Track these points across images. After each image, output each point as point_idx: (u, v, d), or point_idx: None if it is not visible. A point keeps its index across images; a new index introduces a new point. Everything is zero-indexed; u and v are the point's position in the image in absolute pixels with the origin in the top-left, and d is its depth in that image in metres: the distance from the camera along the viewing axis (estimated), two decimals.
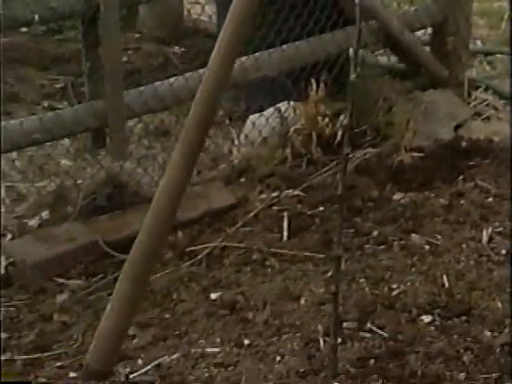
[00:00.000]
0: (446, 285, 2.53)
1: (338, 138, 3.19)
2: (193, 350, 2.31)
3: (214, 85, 1.29)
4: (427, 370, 2.18)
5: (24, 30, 4.01)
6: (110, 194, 2.78)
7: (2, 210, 2.92)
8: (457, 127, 3.53)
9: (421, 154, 3.30)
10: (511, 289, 2.49)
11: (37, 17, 2.77)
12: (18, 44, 3.98)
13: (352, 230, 2.89)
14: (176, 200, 1.35)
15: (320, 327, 2.38)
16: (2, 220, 2.83)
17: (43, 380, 2.26)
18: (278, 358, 2.27)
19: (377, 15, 3.51)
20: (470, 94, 3.79)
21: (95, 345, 1.41)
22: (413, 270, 2.64)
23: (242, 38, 1.31)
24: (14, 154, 3.05)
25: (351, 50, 1.35)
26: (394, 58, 3.87)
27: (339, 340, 2.36)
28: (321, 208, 3.01)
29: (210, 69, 1.29)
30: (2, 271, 2.63)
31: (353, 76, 1.24)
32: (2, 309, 2.52)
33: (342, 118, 3.19)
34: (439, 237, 2.80)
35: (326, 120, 3.22)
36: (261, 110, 3.31)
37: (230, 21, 1.29)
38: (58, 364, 2.29)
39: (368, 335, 2.35)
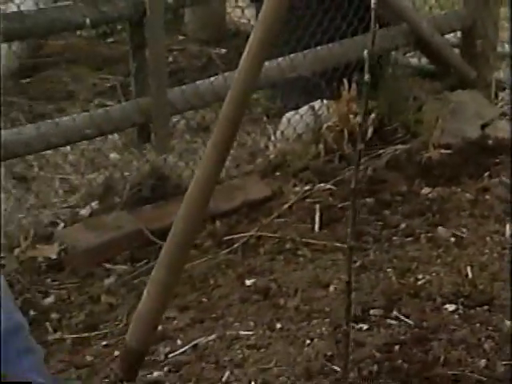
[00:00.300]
0: (470, 276, 2.51)
1: (369, 134, 3.18)
2: (228, 333, 2.31)
3: (243, 85, 1.30)
4: (450, 356, 2.16)
5: (79, 33, 4.06)
6: (153, 185, 2.80)
7: (56, 200, 2.95)
8: (483, 126, 3.49)
9: (448, 151, 3.27)
10: None
11: (88, 20, 2.79)
12: (74, 46, 4.02)
13: (381, 223, 2.87)
14: (208, 192, 1.36)
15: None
16: (57, 210, 2.87)
17: (90, 358, 2.29)
18: (308, 342, 2.26)
19: (408, 18, 3.48)
20: (496, 95, 3.75)
21: (133, 326, 1.43)
22: (438, 261, 2.62)
23: (269, 43, 1.30)
24: (68, 148, 3.08)
25: (364, 53, 1.34)
26: (424, 60, 3.84)
27: (366, 326, 2.36)
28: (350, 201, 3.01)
29: (240, 70, 1.29)
30: (55, 256, 2.65)
31: (367, 77, 1.23)
32: (54, 291, 2.56)
33: (372, 116, 3.18)
34: (464, 230, 2.78)
35: (358, 118, 3.20)
36: (296, 107, 3.30)
37: (259, 26, 1.29)
38: (104, 343, 2.31)
39: (394, 322, 2.33)
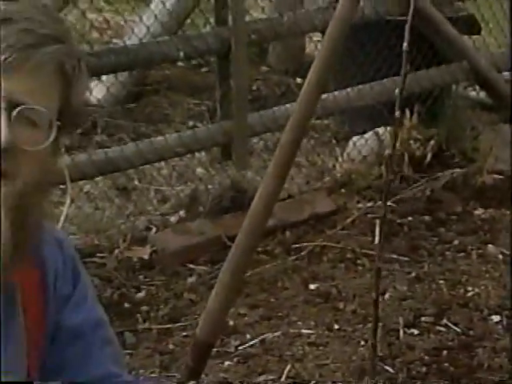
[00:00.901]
0: None
1: (428, 159, 3.13)
2: (291, 330, 2.30)
3: (302, 114, 1.30)
4: (492, 363, 2.11)
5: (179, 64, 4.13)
6: (233, 197, 2.80)
7: (151, 208, 2.99)
8: None
9: (501, 177, 3.19)
10: None
11: (182, 53, 2.85)
12: (171, 75, 4.09)
13: (436, 239, 2.83)
14: (270, 205, 1.36)
15: (400, 319, 2.33)
16: (151, 217, 2.90)
17: (172, 346, 2.31)
18: (362, 343, 2.23)
19: (468, 56, 3.41)
20: None
21: (203, 321, 1.44)
22: (487, 275, 2.55)
23: (324, 78, 1.31)
24: (162, 164, 3.13)
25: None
26: (483, 93, 3.76)
27: (417, 331, 2.32)
28: (409, 218, 2.95)
29: (300, 100, 1.30)
30: (147, 257, 2.69)
31: (397, 113, 1.19)
32: (145, 287, 2.59)
33: (432, 142, 3.13)
34: None
35: (418, 144, 3.15)
36: (362, 132, 3.27)
37: (316, 63, 1.30)
38: (184, 334, 2.32)
39: (443, 329, 2.29)
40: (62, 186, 2.63)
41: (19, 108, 0.89)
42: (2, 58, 0.87)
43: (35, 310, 1.02)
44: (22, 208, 0.91)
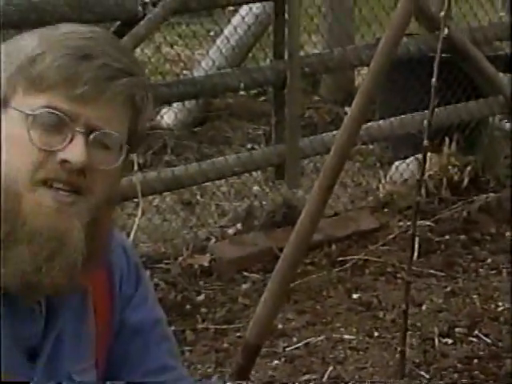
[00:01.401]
0: None
1: (465, 183, 3.08)
2: (334, 335, 2.28)
3: (345, 140, 1.31)
4: None
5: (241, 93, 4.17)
6: (285, 213, 2.79)
7: (211, 221, 3.01)
8: None
9: None
10: None
11: (242, 84, 2.87)
12: (233, 103, 4.13)
13: (470, 256, 2.78)
14: (315, 222, 1.36)
15: (436, 329, 2.30)
16: (211, 228, 2.92)
17: (227, 345, 2.33)
18: (399, 349, 2.21)
19: (503, 91, 3.36)
20: None
21: (252, 325, 1.44)
22: None
23: (366, 108, 1.31)
24: (222, 182, 3.15)
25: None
26: None
27: (451, 341, 2.28)
28: (446, 236, 2.91)
29: (344, 128, 1.30)
30: (207, 264, 2.71)
31: (425, 142, 1.18)
32: (204, 291, 2.61)
33: (469, 168, 3.08)
34: None
35: (456, 169, 3.11)
36: (404, 158, 3.24)
37: (359, 94, 1.30)
38: (238, 334, 2.32)
39: (475, 340, 2.24)
40: (135, 200, 2.68)
41: (95, 133, 0.91)
42: (82, 89, 0.89)
43: (104, 309, 1.03)
44: (95, 221, 0.93)
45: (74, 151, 0.89)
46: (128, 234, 2.51)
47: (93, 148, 0.91)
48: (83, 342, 1.01)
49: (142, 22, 2.57)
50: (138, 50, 2.87)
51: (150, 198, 2.92)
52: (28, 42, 0.92)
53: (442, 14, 1.51)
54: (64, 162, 0.89)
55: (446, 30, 1.39)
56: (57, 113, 0.89)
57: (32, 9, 2.42)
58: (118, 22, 2.67)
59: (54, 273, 0.90)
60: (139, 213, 2.61)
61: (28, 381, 0.93)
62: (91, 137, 0.91)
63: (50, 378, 0.97)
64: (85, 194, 0.91)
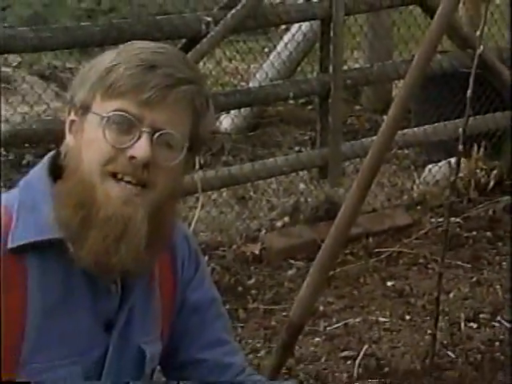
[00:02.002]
0: None
1: (491, 185, 3.02)
2: (370, 318, 2.27)
3: (382, 144, 1.30)
4: None
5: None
6: (327, 209, 2.77)
7: (262, 214, 3.01)
8: None
9: None
10: None
11: (291, 94, 2.87)
12: (283, 111, 4.12)
13: (495, 251, 2.72)
14: (353, 217, 1.36)
15: (462, 315, 2.27)
16: (262, 221, 2.91)
17: (274, 323, 2.33)
18: (429, 332, 2.16)
19: None
20: None
21: (296, 306, 1.44)
22: None
23: (401, 116, 1.30)
24: (272, 180, 3.15)
25: None
26: None
27: (476, 325, 2.24)
28: (473, 233, 2.86)
29: (381, 134, 1.29)
30: (257, 252, 2.71)
31: (460, 147, 1.14)
32: (254, 275, 2.62)
33: (494, 172, 3.02)
34: None
35: (483, 172, 3.05)
36: (437, 161, 3.20)
37: (394, 104, 1.29)
38: (284, 314, 2.32)
39: (497, 325, 2.21)
40: (195, 195, 2.72)
41: (159, 133, 0.93)
42: (148, 95, 0.91)
43: (168, 289, 1.04)
44: (158, 212, 0.94)
45: (140, 148, 0.91)
46: (189, 225, 2.53)
47: (157, 146, 0.93)
48: (150, 317, 1.03)
49: (204, 40, 2.59)
50: (200, 63, 2.89)
51: (209, 193, 2.94)
52: (107, 57, 0.95)
53: (478, 33, 1.48)
54: (132, 157, 0.92)
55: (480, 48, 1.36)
56: (126, 115, 0.92)
57: (113, 28, 2.48)
58: (184, 40, 2.70)
59: (120, 253, 0.92)
60: (199, 206, 2.64)
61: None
62: (155, 136, 0.92)
63: (123, 347, 0.99)
64: (149, 187, 0.93)
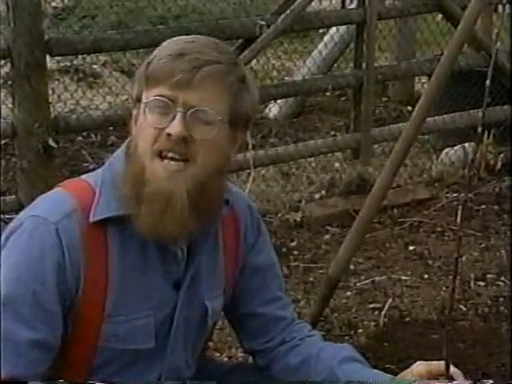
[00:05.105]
0: None
1: (498, 166, 2.96)
2: (393, 276, 2.25)
3: (412, 130, 1.26)
4: None
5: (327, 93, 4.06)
6: (358, 184, 2.74)
7: (302, 188, 2.98)
8: None
9: None
10: None
11: (330, 86, 2.82)
12: (323, 101, 4.04)
13: (501, 221, 2.65)
14: (385, 191, 1.34)
15: (472, 275, 2.23)
16: (302, 194, 2.89)
17: (312, 279, 2.32)
18: (444, 289, 2.15)
19: None
20: None
21: (334, 263, 1.44)
22: None
23: (428, 106, 1.26)
24: (312, 159, 3.08)
25: None
26: None
27: (484, 284, 2.20)
28: (483, 206, 2.79)
29: (411, 121, 1.26)
30: (299, 219, 2.68)
31: (479, 130, 1.06)
32: (296, 239, 2.61)
33: (502, 155, 2.94)
34: None
35: (492, 156, 2.98)
36: (453, 146, 3.12)
37: (424, 95, 1.25)
38: (321, 271, 2.30)
39: (502, 284, 2.17)
40: (247, 171, 2.72)
41: (191, 110, 0.90)
42: (177, 78, 0.89)
43: (231, 250, 1.04)
44: (203, 185, 0.91)
45: (174, 126, 0.90)
46: None
47: (192, 123, 0.90)
48: (215, 274, 1.03)
49: (258, 40, 2.58)
50: (254, 61, 2.87)
51: (259, 169, 2.94)
52: (152, 53, 0.94)
53: (493, 37, 1.41)
54: (168, 134, 0.90)
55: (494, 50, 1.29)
56: (162, 99, 0.91)
57: (182, 31, 2.47)
58: (241, 40, 2.69)
59: (166, 224, 0.91)
60: (251, 180, 2.65)
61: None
62: (188, 113, 0.90)
63: (189, 303, 1.00)
64: (191, 161, 0.91)
